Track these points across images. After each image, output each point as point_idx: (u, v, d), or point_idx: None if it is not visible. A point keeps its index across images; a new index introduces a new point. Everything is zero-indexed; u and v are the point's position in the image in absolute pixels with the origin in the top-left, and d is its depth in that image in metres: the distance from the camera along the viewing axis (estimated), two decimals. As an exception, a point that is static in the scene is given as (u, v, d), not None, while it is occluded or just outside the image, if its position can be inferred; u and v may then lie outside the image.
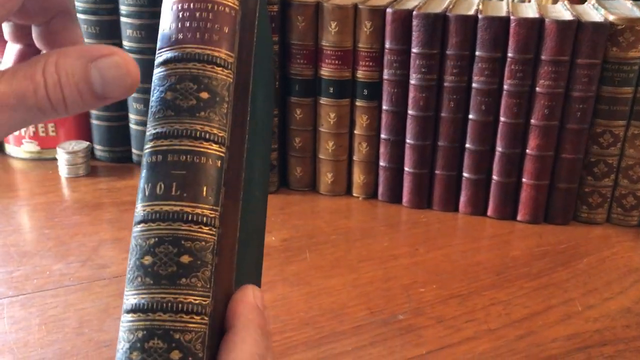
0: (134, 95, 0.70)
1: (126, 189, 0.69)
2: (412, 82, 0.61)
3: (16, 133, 0.74)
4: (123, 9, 0.67)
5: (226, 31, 0.29)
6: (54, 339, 0.46)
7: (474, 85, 0.60)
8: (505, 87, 0.59)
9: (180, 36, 0.29)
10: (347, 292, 0.52)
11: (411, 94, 0.61)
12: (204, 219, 0.26)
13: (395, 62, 0.61)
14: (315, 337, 0.47)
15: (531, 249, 0.59)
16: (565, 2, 0.65)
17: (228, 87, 0.29)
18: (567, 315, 0.50)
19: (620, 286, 0.54)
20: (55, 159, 0.71)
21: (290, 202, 0.67)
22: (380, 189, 0.67)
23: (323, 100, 0.64)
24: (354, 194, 0.68)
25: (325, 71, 0.63)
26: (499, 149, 0.61)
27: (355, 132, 0.65)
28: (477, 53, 0.58)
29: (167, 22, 0.30)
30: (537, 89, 0.58)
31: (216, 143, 0.28)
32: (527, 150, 0.60)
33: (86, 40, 0.70)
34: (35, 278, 0.53)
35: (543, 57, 0.57)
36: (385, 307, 0.50)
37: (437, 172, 0.64)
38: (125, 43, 0.68)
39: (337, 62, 0.62)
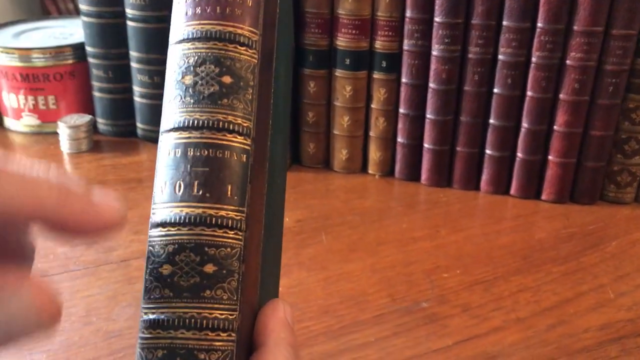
0: (138, 66, 0.66)
1: (131, 165, 0.66)
2: (434, 53, 0.57)
3: (15, 105, 0.71)
4: (125, -26, 0.63)
5: (249, 3, 0.26)
6: (60, 328, 0.43)
7: (500, 57, 0.56)
8: (533, 59, 0.55)
9: (198, 10, 0.25)
10: (367, 277, 0.50)
11: (433, 66, 0.58)
12: (230, 222, 0.23)
13: (416, 32, 0.57)
14: (335, 327, 0.44)
15: (557, 231, 0.56)
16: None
17: (253, 69, 0.25)
18: (598, 303, 0.47)
19: (653, 271, 0.51)
20: (56, 133, 0.68)
21: (303, 180, 0.64)
22: (398, 167, 0.64)
23: (338, 73, 0.61)
24: (370, 172, 0.65)
25: (341, 41, 0.59)
26: (524, 125, 0.58)
27: (372, 106, 0.62)
28: (504, 23, 0.55)
29: None
30: (568, 61, 0.55)
31: (241, 135, 0.25)
32: (555, 127, 0.57)
33: (85, 8, 0.66)
34: (38, 262, 0.50)
35: (575, 28, 0.53)
36: (407, 294, 0.48)
37: (458, 148, 0.61)
38: (128, 10, 0.64)
39: (354, 31, 0.58)
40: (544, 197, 0.60)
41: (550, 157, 0.59)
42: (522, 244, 0.54)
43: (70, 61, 0.69)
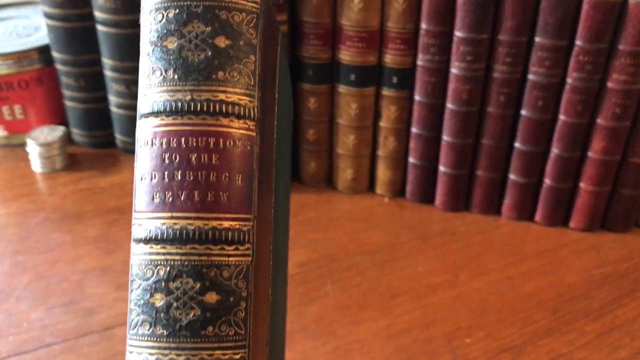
0: (112, 74, 0.58)
1: (111, 188, 0.59)
2: (453, 70, 0.49)
3: (-23, 116, 0.63)
4: (91, -28, 0.54)
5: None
6: None
7: (530, 77, 0.48)
8: (569, 80, 0.48)
9: None
10: (381, 346, 0.44)
11: (452, 85, 0.50)
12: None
13: (432, 47, 0.49)
14: (347, 418, 0.40)
15: (589, 271, 0.51)
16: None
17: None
18: (640, 376, 0.43)
19: (697, 327, 0.46)
20: (26, 145, 0.61)
21: (305, 205, 0.57)
22: (409, 188, 0.57)
23: (342, 89, 0.53)
24: (378, 192, 0.58)
25: (346, 55, 0.51)
26: (555, 150, 0.51)
27: (381, 124, 0.55)
28: (536, 39, 0.47)
29: None
30: (609, 84, 0.47)
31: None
32: (589, 153, 0.51)
33: (49, 10, 0.57)
34: (10, 334, 0.45)
35: (620, 47, 0.46)
36: (427, 368, 0.43)
37: (478, 172, 0.54)
38: (97, 14, 0.56)
39: (360, 44, 0.50)
40: (572, 224, 0.54)
41: (582, 185, 0.52)
42: (551, 290, 0.49)
43: (37, 66, 0.61)
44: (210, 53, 0.20)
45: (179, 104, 0.20)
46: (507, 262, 0.52)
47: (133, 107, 0.60)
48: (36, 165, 0.60)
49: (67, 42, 0.58)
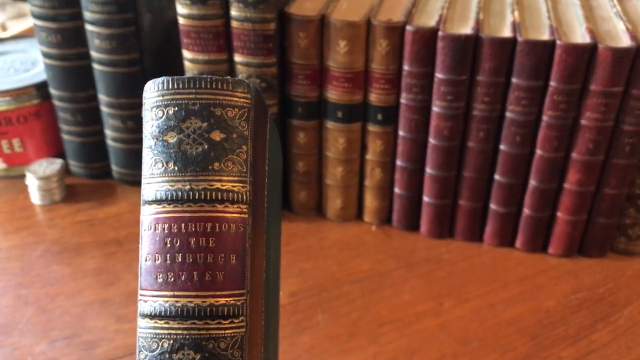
0: (108, 110, 0.60)
1: (109, 220, 0.61)
2: (434, 109, 0.52)
3: (-23, 149, 0.65)
4: (87, 15, 0.56)
5: None
6: None
7: (507, 114, 0.51)
8: (544, 118, 0.50)
9: None
10: (369, 374, 0.47)
11: (433, 122, 0.53)
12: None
13: (415, 87, 0.52)
14: None
15: (567, 297, 0.53)
16: (613, -1, 0.55)
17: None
18: (613, 400, 0.45)
19: (667, 351, 0.49)
20: (25, 177, 0.63)
21: (295, 234, 0.60)
22: (395, 216, 0.60)
23: (330, 125, 0.55)
24: (366, 220, 0.61)
25: (333, 94, 0.54)
26: (532, 182, 0.54)
27: (368, 157, 0.57)
28: (513, 80, 0.50)
29: None
30: (582, 121, 0.50)
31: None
32: (566, 185, 0.53)
33: (46, 49, 0.59)
34: (15, 368, 0.47)
35: (592, 88, 0.48)
36: (413, 395, 0.45)
37: (460, 202, 0.57)
38: (94, 54, 0.58)
39: (346, 84, 0.53)
40: (551, 251, 0.57)
41: (559, 214, 0.55)
42: (530, 317, 0.52)
43: (35, 101, 0.63)
44: (206, 146, 0.22)
45: (179, 194, 0.22)
46: (489, 289, 0.54)
47: (128, 141, 0.62)
48: (35, 197, 0.62)
49: (64, 79, 0.60)
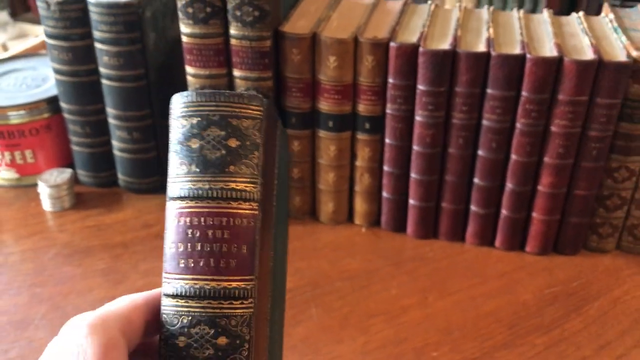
0: (116, 122, 0.65)
1: (116, 225, 0.65)
2: (417, 118, 0.57)
3: (-9, 160, 0.69)
4: (97, 34, 0.61)
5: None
6: None
7: (484, 122, 0.56)
8: (518, 125, 0.55)
9: None
10: (359, 361, 0.51)
11: (417, 130, 0.57)
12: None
13: (399, 98, 0.56)
14: None
15: (542, 291, 0.58)
16: (581, 16, 0.60)
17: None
18: (582, 381, 0.49)
19: (632, 338, 0.53)
20: (37, 185, 0.67)
21: (290, 236, 0.64)
22: (384, 218, 0.64)
23: (322, 134, 0.60)
24: (357, 222, 0.65)
25: (324, 105, 0.58)
26: (509, 185, 0.58)
27: (357, 164, 0.62)
28: (488, 91, 0.54)
29: None
30: (552, 128, 0.55)
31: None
32: (539, 187, 0.58)
33: (58, 66, 0.63)
34: (33, 359, 0.51)
35: (560, 97, 0.53)
36: (399, 379, 0.49)
37: (443, 204, 0.61)
38: (102, 70, 0.62)
39: (336, 96, 0.57)
40: (528, 249, 0.61)
41: (534, 214, 0.59)
42: (508, 308, 0.56)
43: (46, 115, 0.68)
44: (224, 152, 0.27)
45: (200, 192, 0.26)
46: (470, 284, 0.59)
47: (134, 151, 0.66)
48: (46, 204, 0.67)
49: (74, 94, 0.65)
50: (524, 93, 0.54)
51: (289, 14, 0.60)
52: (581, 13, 0.61)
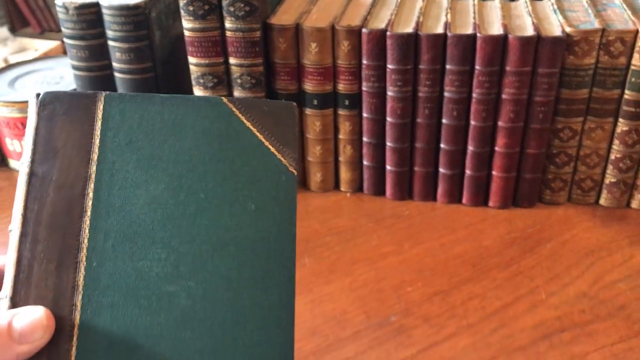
0: (129, 110, 0.74)
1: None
2: (389, 93, 0.66)
3: (19, 150, 0.78)
4: (109, 33, 0.70)
5: None
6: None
7: (445, 94, 0.65)
8: (474, 95, 0.65)
9: None
10: (345, 296, 0.60)
11: (389, 104, 0.67)
12: None
13: (372, 77, 0.66)
14: (322, 346, 0.55)
15: (502, 237, 0.67)
16: (527, 1, 0.70)
17: None
18: (533, 305, 0.59)
19: (578, 270, 0.62)
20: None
21: (284, 203, 0.73)
22: (365, 184, 0.73)
23: (308, 112, 0.69)
24: (342, 189, 0.75)
25: (309, 86, 0.68)
26: (470, 147, 0.68)
27: (340, 136, 0.71)
28: (447, 66, 0.64)
29: None
30: (503, 96, 0.64)
31: None
32: (496, 148, 0.67)
33: (76, 63, 0.73)
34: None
35: (507, 69, 0.63)
36: (379, 310, 0.58)
37: (415, 169, 0.70)
38: (115, 64, 0.72)
39: (319, 77, 0.67)
40: (490, 204, 0.71)
41: (494, 172, 0.69)
42: (473, 252, 0.65)
43: (65, 107, 0.77)
44: None
45: None
46: (440, 234, 0.68)
47: (145, 135, 0.76)
48: (70, 185, 0.76)
49: (90, 87, 0.74)
50: (477, 67, 0.63)
51: (275, 9, 0.69)
52: (528, -2, 0.71)
